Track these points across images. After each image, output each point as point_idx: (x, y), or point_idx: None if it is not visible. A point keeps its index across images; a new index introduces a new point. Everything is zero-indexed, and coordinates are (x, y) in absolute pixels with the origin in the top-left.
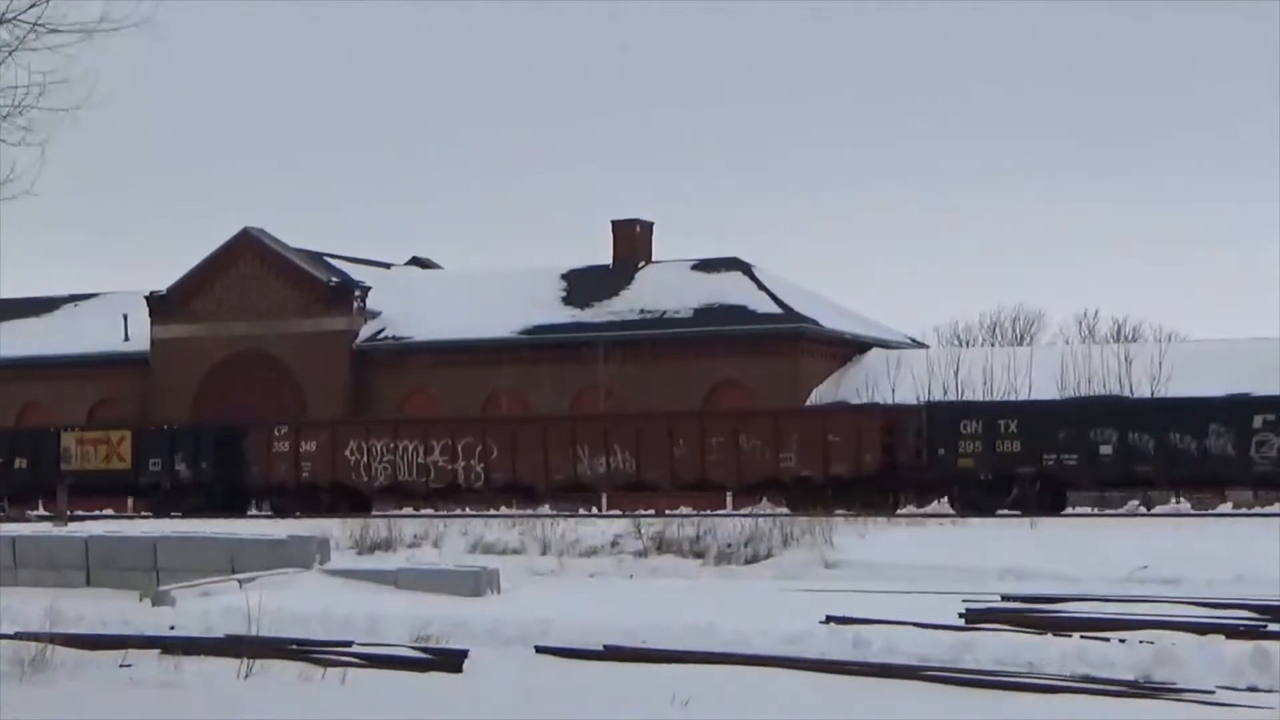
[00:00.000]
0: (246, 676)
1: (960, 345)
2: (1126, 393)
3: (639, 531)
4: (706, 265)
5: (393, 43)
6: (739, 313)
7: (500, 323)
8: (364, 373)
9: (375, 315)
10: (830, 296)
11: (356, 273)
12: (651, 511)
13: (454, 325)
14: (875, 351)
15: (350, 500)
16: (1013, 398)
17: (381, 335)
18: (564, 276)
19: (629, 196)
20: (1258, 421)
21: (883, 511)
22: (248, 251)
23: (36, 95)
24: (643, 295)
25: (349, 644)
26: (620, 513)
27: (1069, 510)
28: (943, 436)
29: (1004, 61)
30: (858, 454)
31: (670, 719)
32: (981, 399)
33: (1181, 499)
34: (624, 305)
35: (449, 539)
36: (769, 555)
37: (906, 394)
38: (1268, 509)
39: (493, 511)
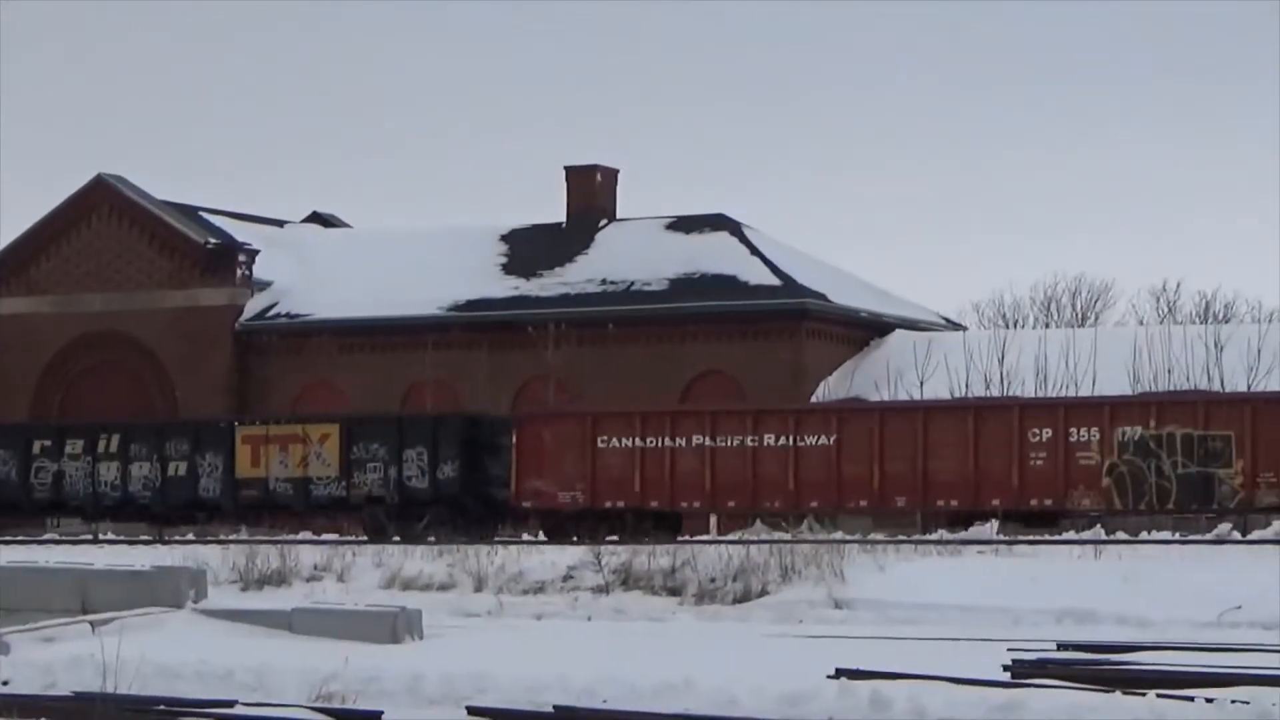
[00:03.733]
0: None
1: (1007, 327)
2: (1216, 385)
3: (599, 562)
4: (685, 224)
5: None
6: (726, 284)
7: (423, 296)
8: (251, 359)
9: (265, 286)
10: (842, 265)
11: (241, 232)
12: (615, 538)
13: (364, 299)
14: (899, 334)
15: None
16: (1071, 391)
17: (273, 312)
18: (504, 238)
19: (588, 138)
20: (36, 448)
21: None
22: (102, 205)
23: None
24: (604, 262)
25: (231, 704)
26: (575, 540)
27: (1144, 536)
28: None
29: None
30: None
31: None
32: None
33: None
34: (580, 275)
35: (358, 571)
36: (764, 593)
37: (939, 387)
38: None
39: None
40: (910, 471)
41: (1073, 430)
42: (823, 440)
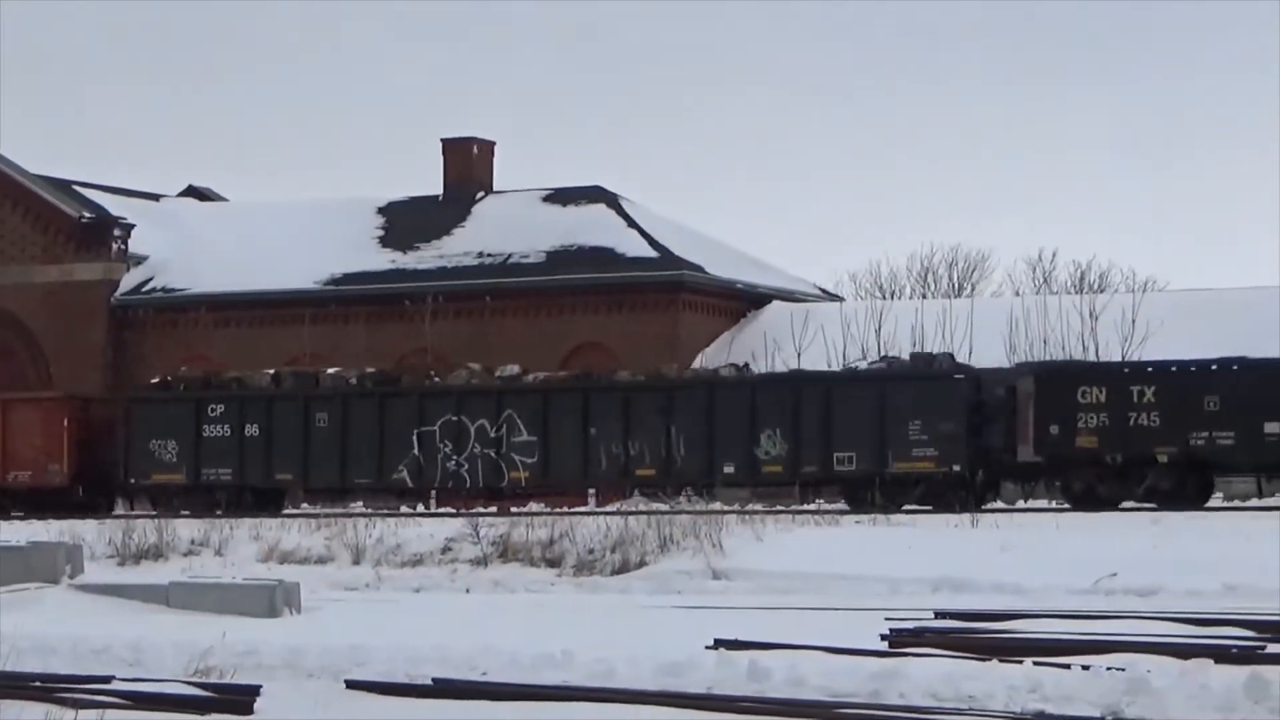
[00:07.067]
0: None
1: (884, 297)
2: (1092, 355)
3: (477, 534)
4: (563, 196)
5: None
6: (604, 256)
7: (300, 270)
8: (127, 334)
9: (141, 261)
10: (719, 237)
11: (116, 206)
12: (493, 509)
13: (241, 273)
14: (776, 305)
15: None
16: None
17: (149, 287)
18: (381, 211)
19: (465, 111)
20: None
21: None
22: None
23: None
24: (482, 234)
25: (108, 679)
26: (453, 511)
27: (1027, 506)
28: None
29: None
30: None
31: None
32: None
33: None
34: (458, 247)
35: (235, 545)
36: (642, 563)
37: (816, 358)
38: (1268, 500)
39: (293, 510)
40: None
41: None
42: None
